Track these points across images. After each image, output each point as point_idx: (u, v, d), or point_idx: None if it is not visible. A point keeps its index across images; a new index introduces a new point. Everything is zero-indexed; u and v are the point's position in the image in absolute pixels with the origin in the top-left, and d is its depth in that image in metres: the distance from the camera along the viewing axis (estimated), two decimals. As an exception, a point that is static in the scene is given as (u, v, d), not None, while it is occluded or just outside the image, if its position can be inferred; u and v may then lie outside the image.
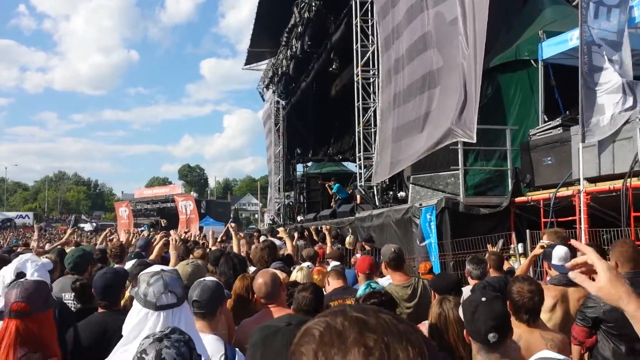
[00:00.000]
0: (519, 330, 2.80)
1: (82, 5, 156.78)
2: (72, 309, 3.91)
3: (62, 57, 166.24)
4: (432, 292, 3.87)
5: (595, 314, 3.40)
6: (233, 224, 8.01)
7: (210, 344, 2.50)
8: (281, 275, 4.36)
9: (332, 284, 4.25)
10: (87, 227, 48.99)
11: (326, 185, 18.84)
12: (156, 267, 2.27)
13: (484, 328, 2.32)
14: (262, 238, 9.52)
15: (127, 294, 3.59)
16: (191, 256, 6.10)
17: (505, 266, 5.75)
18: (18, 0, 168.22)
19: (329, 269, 5.06)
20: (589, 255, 1.52)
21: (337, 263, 5.51)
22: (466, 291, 4.06)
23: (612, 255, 3.77)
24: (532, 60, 8.90)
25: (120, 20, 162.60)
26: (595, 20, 6.31)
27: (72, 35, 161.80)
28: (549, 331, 3.04)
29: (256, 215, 63.91)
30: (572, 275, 1.54)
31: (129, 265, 4.98)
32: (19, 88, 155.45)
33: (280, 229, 8.30)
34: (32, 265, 2.87)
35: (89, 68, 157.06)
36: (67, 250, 5.85)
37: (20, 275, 3.21)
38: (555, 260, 4.12)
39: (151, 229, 24.26)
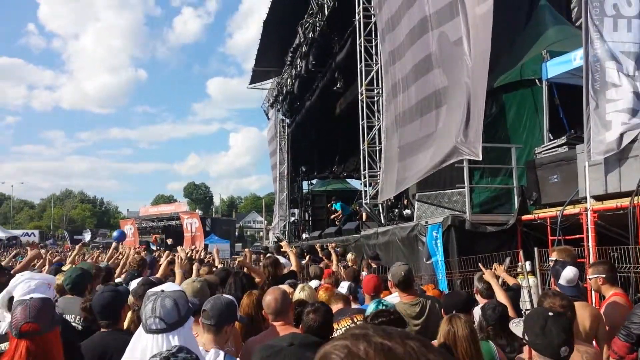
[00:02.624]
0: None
1: (91, 25, 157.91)
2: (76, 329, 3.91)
3: (71, 76, 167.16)
4: (442, 310, 3.85)
5: None
6: (247, 250, 7.81)
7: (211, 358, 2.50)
8: (289, 289, 4.35)
9: (333, 307, 4.23)
10: (86, 237, 49.17)
11: (331, 209, 19.08)
12: (157, 288, 2.24)
13: (557, 341, 2.31)
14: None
15: (129, 314, 3.57)
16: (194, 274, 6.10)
17: (511, 282, 5.73)
18: (27, 19, 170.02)
19: (338, 289, 5.04)
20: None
21: (348, 284, 5.43)
22: (475, 312, 4.04)
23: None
24: (536, 80, 8.94)
25: (129, 39, 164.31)
26: (614, 33, 6.28)
27: (81, 54, 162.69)
28: (583, 344, 3.02)
29: (261, 233, 63.79)
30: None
31: (135, 283, 4.97)
32: (27, 106, 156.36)
33: (283, 243, 8.26)
34: (24, 286, 2.79)
35: (96, 87, 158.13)
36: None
37: (11, 300, 3.12)
38: (562, 281, 4.14)
39: (157, 247, 24.21)
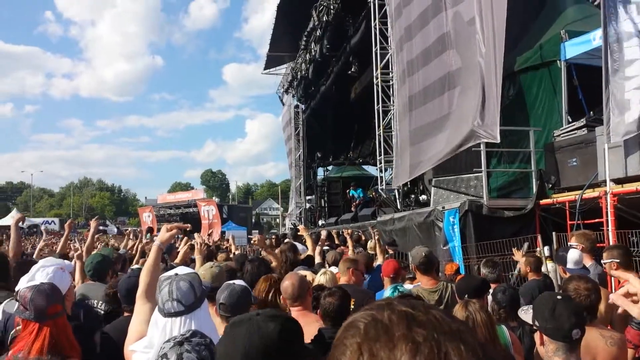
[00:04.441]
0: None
1: (107, 11, 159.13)
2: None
3: (88, 64, 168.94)
4: (456, 295, 3.84)
5: None
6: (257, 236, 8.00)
7: None
8: (310, 276, 4.37)
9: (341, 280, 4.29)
10: (109, 230, 49.69)
11: (348, 195, 18.96)
12: (171, 272, 2.25)
13: (568, 324, 2.29)
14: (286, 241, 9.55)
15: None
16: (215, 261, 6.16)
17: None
18: (45, 7, 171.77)
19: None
20: (633, 281, 1.49)
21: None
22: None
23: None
24: (555, 61, 8.78)
25: (145, 26, 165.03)
26: (627, 13, 6.13)
27: (98, 42, 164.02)
28: (607, 330, 3.00)
29: (277, 220, 64.09)
30: (614, 298, 1.50)
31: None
32: (45, 95, 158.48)
33: (301, 227, 8.28)
34: (42, 274, 2.86)
35: (114, 74, 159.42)
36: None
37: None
38: (570, 264, 4.20)
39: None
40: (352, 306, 3.75)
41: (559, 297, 2.42)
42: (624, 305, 1.46)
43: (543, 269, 6.31)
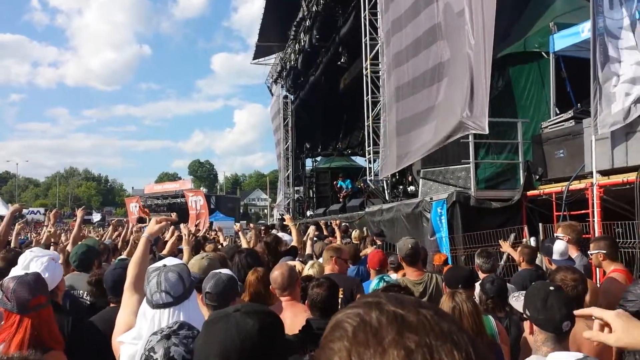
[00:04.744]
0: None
1: (94, 0, 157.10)
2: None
3: (75, 53, 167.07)
4: (444, 285, 3.86)
5: (636, 308, 3.38)
6: (238, 224, 8.13)
7: None
8: (299, 266, 4.36)
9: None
10: (94, 218, 49.54)
11: (336, 187, 18.81)
12: (160, 263, 2.24)
13: (559, 316, 2.31)
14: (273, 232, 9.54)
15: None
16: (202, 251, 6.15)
17: (517, 257, 5.74)
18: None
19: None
20: (593, 311, 1.48)
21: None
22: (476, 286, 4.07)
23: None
24: (543, 53, 8.81)
25: (133, 14, 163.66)
26: (615, 8, 6.19)
27: (85, 30, 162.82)
28: (593, 320, 3.01)
29: (265, 211, 64.05)
30: (586, 334, 1.49)
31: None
32: (31, 84, 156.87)
33: (287, 217, 8.30)
34: (36, 263, 2.85)
35: (101, 63, 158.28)
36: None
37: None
38: (556, 255, 4.25)
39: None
40: (341, 294, 3.75)
41: (551, 287, 2.43)
42: (597, 339, 1.45)
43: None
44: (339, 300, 3.86)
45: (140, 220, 12.08)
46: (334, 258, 4.69)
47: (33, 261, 2.77)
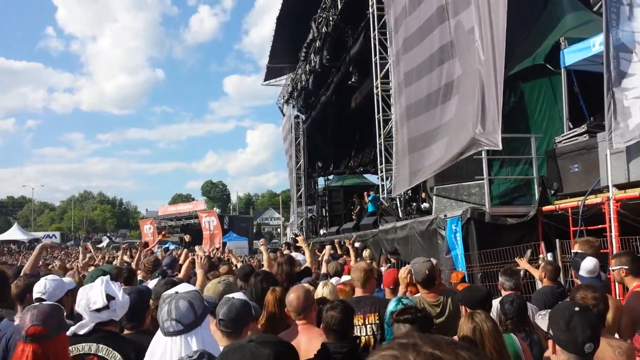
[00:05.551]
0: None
1: (108, 26, 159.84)
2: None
3: (89, 78, 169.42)
4: (463, 306, 3.79)
5: None
6: (262, 239, 8.20)
7: None
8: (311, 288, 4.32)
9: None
10: (104, 242, 49.96)
11: (364, 194, 18.59)
12: (172, 290, 2.24)
13: (582, 338, 2.27)
14: (287, 252, 9.52)
15: None
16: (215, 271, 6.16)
17: (535, 274, 5.65)
18: (46, 23, 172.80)
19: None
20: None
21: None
22: (494, 303, 4.00)
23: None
24: (553, 68, 8.78)
25: (146, 39, 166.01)
26: (628, 22, 6.15)
27: (99, 56, 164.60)
28: (616, 339, 2.97)
29: (279, 230, 63.99)
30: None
31: (152, 283, 4.97)
32: (47, 109, 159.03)
33: (300, 238, 8.29)
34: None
35: (115, 88, 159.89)
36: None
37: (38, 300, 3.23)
38: (582, 272, 4.14)
39: (177, 246, 24.42)
40: (377, 316, 3.73)
41: (576, 308, 2.39)
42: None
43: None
44: (377, 322, 3.82)
45: (146, 244, 12.10)
46: (372, 279, 4.52)
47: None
